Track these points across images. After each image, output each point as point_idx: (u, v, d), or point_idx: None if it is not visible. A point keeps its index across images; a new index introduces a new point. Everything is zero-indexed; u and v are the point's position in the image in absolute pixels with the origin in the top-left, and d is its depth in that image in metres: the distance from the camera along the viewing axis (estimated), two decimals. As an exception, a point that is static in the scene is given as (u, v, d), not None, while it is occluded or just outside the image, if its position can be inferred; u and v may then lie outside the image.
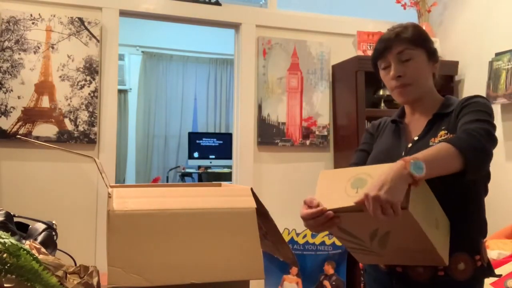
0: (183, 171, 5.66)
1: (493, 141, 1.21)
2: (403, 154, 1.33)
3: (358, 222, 1.14)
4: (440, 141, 1.26)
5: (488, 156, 1.18)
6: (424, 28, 3.31)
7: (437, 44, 3.32)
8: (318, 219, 1.11)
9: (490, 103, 1.32)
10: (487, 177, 1.34)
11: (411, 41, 1.35)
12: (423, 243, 1.12)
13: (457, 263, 1.24)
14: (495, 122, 1.27)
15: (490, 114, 1.27)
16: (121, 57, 5.65)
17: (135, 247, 1.14)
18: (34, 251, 1.02)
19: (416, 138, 1.35)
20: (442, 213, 1.21)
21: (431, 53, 1.39)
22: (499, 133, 2.90)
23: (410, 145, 1.35)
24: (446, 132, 1.29)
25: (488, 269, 1.31)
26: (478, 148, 1.15)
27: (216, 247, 1.21)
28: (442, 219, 1.21)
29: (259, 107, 3.22)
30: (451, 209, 1.23)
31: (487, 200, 1.34)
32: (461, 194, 1.26)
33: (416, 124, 1.41)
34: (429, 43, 1.39)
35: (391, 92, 1.41)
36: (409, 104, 1.43)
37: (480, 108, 1.26)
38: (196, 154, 5.63)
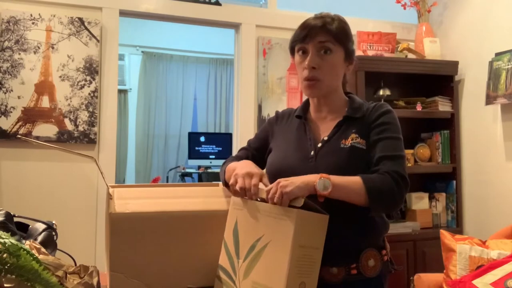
0: (183, 171, 5.66)
1: (405, 186, 1.22)
2: (312, 153, 1.32)
3: (254, 218, 1.15)
4: (352, 144, 1.29)
5: (396, 200, 1.21)
6: (423, 28, 3.36)
7: (437, 44, 3.32)
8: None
9: (396, 117, 1.34)
10: None
11: (335, 35, 1.32)
12: (278, 276, 1.05)
13: (367, 260, 1.27)
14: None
15: (401, 137, 1.31)
16: (121, 57, 5.64)
17: (136, 250, 1.14)
18: (34, 251, 1.02)
19: (326, 138, 1.34)
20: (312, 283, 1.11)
21: (349, 54, 1.37)
22: (499, 133, 2.90)
23: (320, 144, 1.33)
24: (357, 136, 1.30)
25: (391, 263, 1.35)
26: (385, 193, 1.19)
27: (216, 250, 1.21)
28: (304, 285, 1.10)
29: (259, 107, 3.22)
30: (358, 207, 1.21)
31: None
32: None
33: (323, 123, 1.39)
34: (349, 43, 1.37)
35: (300, 81, 1.39)
36: (316, 98, 1.41)
37: (393, 134, 1.30)
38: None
